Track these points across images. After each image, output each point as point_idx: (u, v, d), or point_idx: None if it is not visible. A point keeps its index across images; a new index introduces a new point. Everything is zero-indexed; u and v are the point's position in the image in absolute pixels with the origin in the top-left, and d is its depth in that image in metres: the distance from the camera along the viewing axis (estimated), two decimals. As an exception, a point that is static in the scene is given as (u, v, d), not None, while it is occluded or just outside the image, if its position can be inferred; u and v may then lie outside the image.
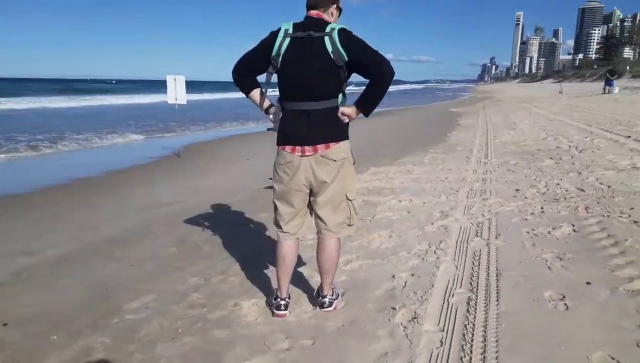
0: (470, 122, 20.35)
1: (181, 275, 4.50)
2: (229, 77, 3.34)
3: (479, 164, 9.55)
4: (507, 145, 11.97)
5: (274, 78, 3.23)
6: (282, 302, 3.52)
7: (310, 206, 3.43)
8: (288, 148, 3.23)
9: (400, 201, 6.80)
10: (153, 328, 3.43)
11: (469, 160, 10.15)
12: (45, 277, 4.65)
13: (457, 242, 4.89)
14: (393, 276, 4.12)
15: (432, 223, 5.61)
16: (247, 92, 3.40)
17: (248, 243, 5.39)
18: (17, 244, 5.70)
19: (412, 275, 4.12)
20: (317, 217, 3.41)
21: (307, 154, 3.18)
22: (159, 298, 3.99)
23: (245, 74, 3.32)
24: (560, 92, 36.40)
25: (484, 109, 29.66)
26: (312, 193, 3.34)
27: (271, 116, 3.39)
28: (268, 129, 3.47)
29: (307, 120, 3.15)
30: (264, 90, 3.36)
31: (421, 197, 6.98)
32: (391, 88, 3.15)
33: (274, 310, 3.55)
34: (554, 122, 17.26)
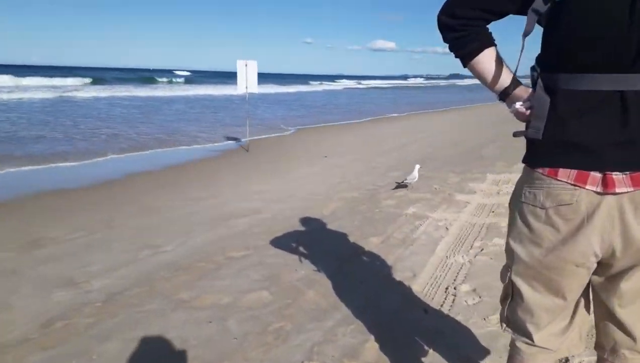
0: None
1: (287, 353, 2.84)
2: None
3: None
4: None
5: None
6: None
7: (591, 297, 1.68)
8: (567, 174, 1.45)
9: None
10: None
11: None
12: (83, 333, 3.13)
13: None
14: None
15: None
16: (470, 54, 1.63)
17: (374, 297, 3.66)
18: (57, 266, 4.28)
19: None
20: (613, 321, 1.63)
21: (617, 188, 1.40)
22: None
23: (471, 17, 1.57)
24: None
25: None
26: (603, 270, 1.57)
27: (519, 105, 1.59)
28: (516, 134, 1.64)
29: (621, 114, 1.37)
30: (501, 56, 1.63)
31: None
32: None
33: None
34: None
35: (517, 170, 8.86)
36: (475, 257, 4.31)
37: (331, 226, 5.40)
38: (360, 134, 15.35)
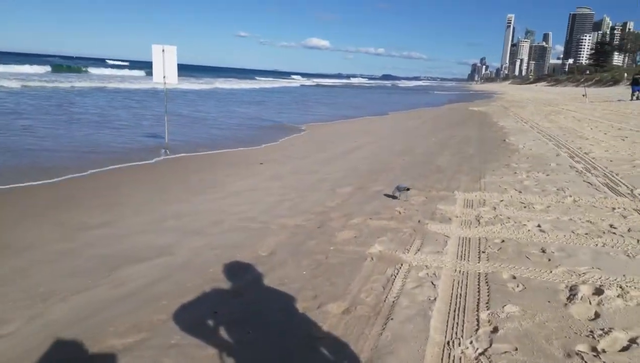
0: (512, 125, 17.17)
1: None
2: None
3: (629, 197, 6.31)
4: (614, 164, 8.77)
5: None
6: None
7: None
8: None
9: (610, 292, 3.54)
10: None
11: (594, 187, 6.91)
12: None
13: None
14: None
15: None
16: None
17: None
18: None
19: None
20: None
21: None
22: None
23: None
24: (584, 95, 33.52)
25: (507, 109, 26.54)
26: None
27: None
28: None
29: None
30: None
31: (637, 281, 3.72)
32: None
33: None
34: (625, 131, 14.16)
35: (489, 186, 7.59)
36: (490, 344, 2.84)
37: (270, 280, 3.75)
38: (298, 139, 13.76)
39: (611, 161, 8.99)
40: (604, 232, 4.85)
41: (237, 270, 3.93)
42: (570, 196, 6.34)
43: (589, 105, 28.58)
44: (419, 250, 4.41)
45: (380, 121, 20.08)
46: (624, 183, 7.01)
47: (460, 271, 3.94)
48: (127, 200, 6.21)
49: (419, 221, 5.32)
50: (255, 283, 3.69)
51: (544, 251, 4.36)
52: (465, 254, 4.31)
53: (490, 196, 6.45)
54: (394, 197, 6.43)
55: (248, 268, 3.95)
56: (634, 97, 31.31)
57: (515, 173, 8.10)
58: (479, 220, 5.34)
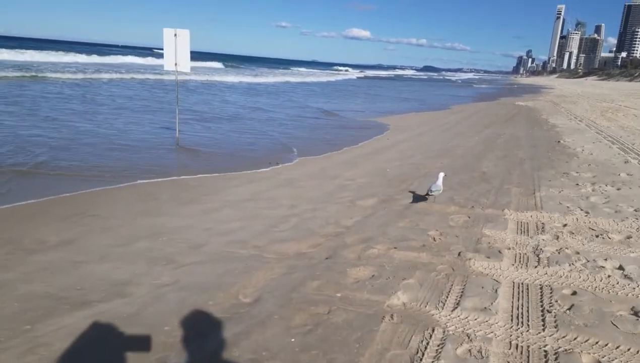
0: (566, 123, 15.44)
1: None
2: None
3: None
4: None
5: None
6: None
7: None
8: None
9: None
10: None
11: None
12: None
13: None
14: None
15: None
16: None
17: None
18: None
19: None
20: None
21: None
22: None
23: None
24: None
25: (558, 105, 24.47)
26: None
27: None
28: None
29: None
30: None
31: None
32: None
33: None
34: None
35: (547, 204, 5.56)
36: None
37: (241, 352, 2.63)
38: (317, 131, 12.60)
39: None
40: None
41: (201, 330, 2.84)
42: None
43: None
44: (458, 304, 3.19)
45: (416, 117, 18.64)
46: None
47: (517, 345, 2.72)
48: (102, 210, 5.23)
49: (459, 254, 4.09)
50: (217, 358, 2.58)
51: (636, 314, 3.06)
52: (522, 315, 3.07)
53: (551, 218, 5.12)
54: (423, 199, 5.78)
55: (216, 329, 2.85)
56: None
57: (578, 184, 6.69)
58: (538, 256, 4.06)
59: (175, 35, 8.97)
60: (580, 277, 3.62)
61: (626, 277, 3.64)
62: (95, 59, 47.68)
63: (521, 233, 4.67)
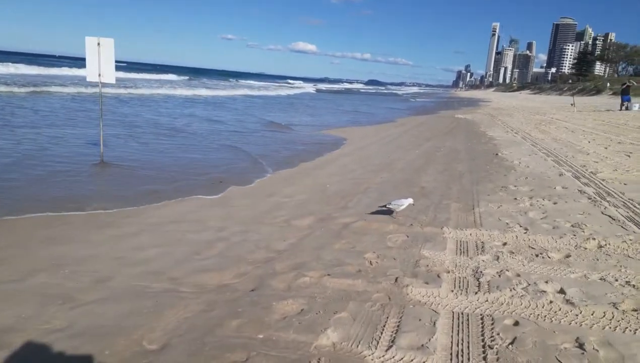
0: (503, 135, 15.84)
1: None
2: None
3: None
4: (629, 188, 7.38)
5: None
6: None
7: None
8: None
9: None
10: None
11: (618, 222, 5.47)
12: None
13: None
14: None
15: None
16: None
17: None
18: None
19: None
20: None
21: None
22: None
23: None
24: (572, 104, 32.53)
25: (495, 118, 25.32)
26: None
27: None
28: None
29: None
30: None
31: None
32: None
33: None
34: (627, 145, 12.88)
35: (486, 220, 5.31)
36: None
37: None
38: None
39: (625, 184, 7.60)
40: (659, 306, 3.38)
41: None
42: (594, 238, 4.88)
43: (578, 114, 27.58)
44: (393, 341, 2.87)
45: (357, 130, 18.60)
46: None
47: (457, 391, 2.41)
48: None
49: (396, 279, 3.79)
50: None
51: (581, 346, 2.86)
52: (463, 352, 2.78)
53: (490, 236, 4.96)
54: (389, 212, 5.68)
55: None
56: (623, 107, 30.42)
57: (516, 199, 6.65)
58: (478, 279, 3.83)
59: (98, 44, 8.31)
60: (522, 304, 3.41)
61: (568, 302, 3.46)
62: (23, 69, 45.07)
63: (460, 253, 4.45)
